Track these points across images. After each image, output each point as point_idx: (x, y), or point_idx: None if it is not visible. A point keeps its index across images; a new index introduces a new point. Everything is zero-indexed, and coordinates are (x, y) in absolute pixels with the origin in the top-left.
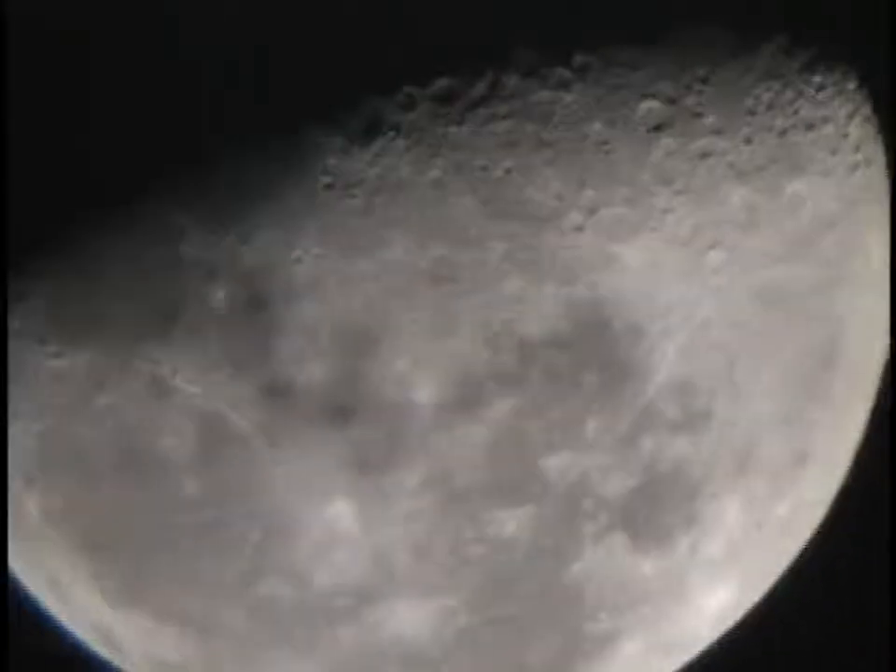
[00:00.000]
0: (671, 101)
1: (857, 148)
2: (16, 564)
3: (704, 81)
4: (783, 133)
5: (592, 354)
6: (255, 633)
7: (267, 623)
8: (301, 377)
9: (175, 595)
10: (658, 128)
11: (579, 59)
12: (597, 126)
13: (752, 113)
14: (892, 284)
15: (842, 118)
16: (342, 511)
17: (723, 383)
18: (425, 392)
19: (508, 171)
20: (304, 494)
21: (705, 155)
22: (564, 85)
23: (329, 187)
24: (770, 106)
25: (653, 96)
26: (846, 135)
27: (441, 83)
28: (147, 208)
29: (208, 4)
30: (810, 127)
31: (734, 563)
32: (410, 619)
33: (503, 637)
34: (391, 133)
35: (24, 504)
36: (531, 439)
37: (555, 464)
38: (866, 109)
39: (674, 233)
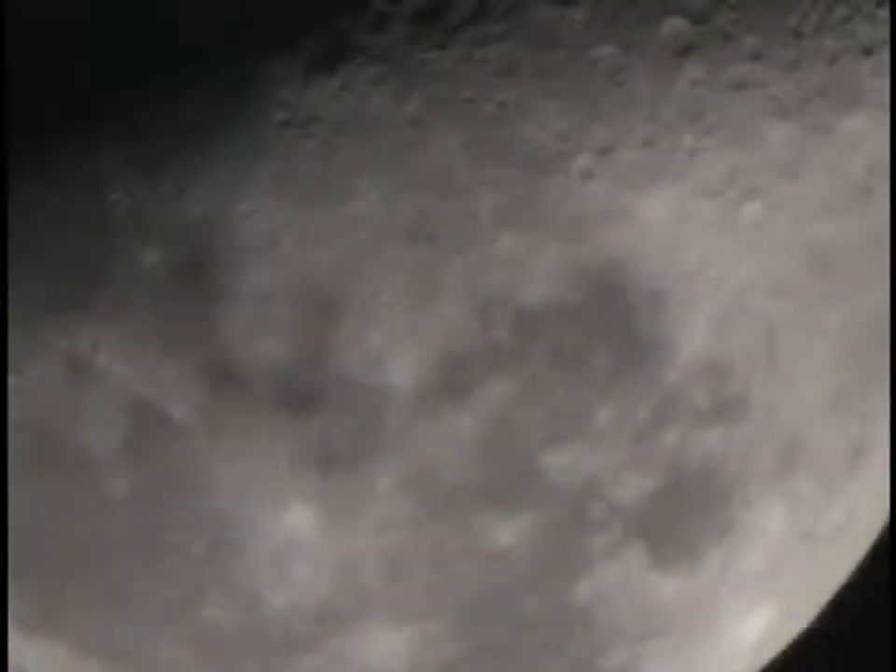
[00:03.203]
0: (700, 19)
1: None
2: None
3: None
4: (835, 58)
5: (603, 328)
6: (197, 665)
7: (211, 653)
8: (251, 355)
9: (101, 622)
10: (684, 52)
11: None
12: (610, 50)
13: (798, 34)
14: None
15: None
16: (302, 518)
17: (763, 362)
18: (402, 373)
19: (501, 105)
20: (256, 497)
21: (740, 85)
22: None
23: (283, 124)
24: (819, 26)
25: (678, 13)
26: None
27: None
28: (65, 149)
29: None
30: (868, 52)
31: (775, 581)
32: (383, 648)
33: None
34: (358, 60)
35: None
36: (530, 431)
37: (559, 461)
38: None
39: (703, 180)
